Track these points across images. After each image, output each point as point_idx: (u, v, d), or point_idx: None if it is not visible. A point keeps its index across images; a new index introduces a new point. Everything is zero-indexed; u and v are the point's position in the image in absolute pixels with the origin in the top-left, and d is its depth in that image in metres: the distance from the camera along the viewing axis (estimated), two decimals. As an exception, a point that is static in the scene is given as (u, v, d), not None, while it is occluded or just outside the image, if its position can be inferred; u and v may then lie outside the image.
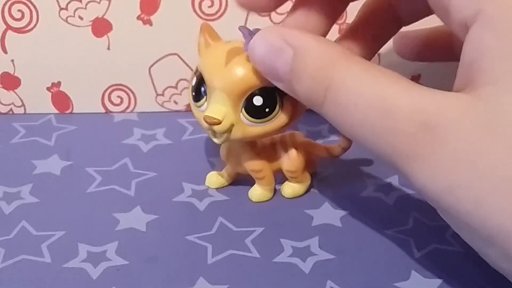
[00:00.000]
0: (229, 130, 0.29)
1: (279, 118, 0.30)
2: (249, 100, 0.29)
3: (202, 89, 0.30)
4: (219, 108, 0.29)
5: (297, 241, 0.30)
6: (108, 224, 0.31)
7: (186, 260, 0.29)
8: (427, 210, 0.32)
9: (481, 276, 0.28)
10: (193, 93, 0.30)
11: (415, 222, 0.31)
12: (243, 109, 0.29)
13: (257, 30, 0.29)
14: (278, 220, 0.31)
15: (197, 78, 0.30)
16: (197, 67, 0.31)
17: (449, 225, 0.31)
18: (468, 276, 0.28)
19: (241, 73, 0.29)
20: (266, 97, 0.29)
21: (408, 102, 0.23)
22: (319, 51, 0.25)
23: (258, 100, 0.29)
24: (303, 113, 0.31)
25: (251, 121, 0.29)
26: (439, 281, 0.28)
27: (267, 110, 0.29)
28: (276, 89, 0.29)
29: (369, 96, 0.24)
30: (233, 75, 0.29)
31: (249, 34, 0.29)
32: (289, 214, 0.32)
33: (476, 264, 0.29)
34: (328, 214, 0.32)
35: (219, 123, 0.29)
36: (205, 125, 0.29)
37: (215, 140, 0.30)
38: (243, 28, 0.29)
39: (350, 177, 0.34)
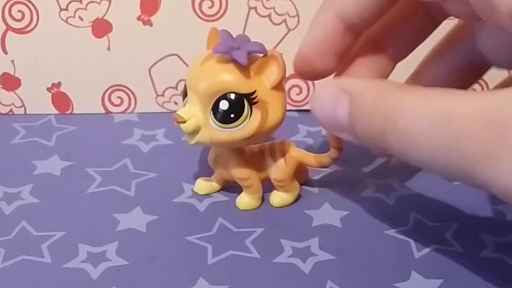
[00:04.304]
0: (195, 131, 0.30)
1: (247, 127, 0.30)
2: (216, 104, 0.29)
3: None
4: (188, 108, 0.30)
5: (297, 241, 0.30)
6: (108, 224, 0.31)
7: (186, 261, 0.29)
8: (427, 210, 0.32)
9: (481, 276, 0.28)
10: (182, 95, 0.31)
11: (415, 222, 0.31)
12: (211, 113, 0.29)
13: (240, 35, 0.30)
14: (278, 220, 0.31)
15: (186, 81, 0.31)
16: None
17: (449, 225, 0.31)
18: (468, 276, 0.28)
19: (211, 76, 0.29)
20: (233, 103, 0.29)
21: (469, 106, 0.22)
22: (371, 89, 0.25)
23: (224, 105, 0.29)
24: (277, 126, 0.30)
25: (219, 126, 0.29)
26: (439, 281, 0.28)
27: (232, 115, 0.29)
28: (245, 96, 0.29)
29: (427, 112, 0.23)
30: (204, 77, 0.29)
31: (228, 36, 0.29)
32: (289, 215, 0.32)
33: (476, 264, 0.29)
34: (328, 214, 0.32)
35: (183, 122, 0.29)
36: (175, 123, 0.30)
37: (187, 140, 0.30)
38: (223, 31, 0.30)
39: (350, 177, 0.34)
